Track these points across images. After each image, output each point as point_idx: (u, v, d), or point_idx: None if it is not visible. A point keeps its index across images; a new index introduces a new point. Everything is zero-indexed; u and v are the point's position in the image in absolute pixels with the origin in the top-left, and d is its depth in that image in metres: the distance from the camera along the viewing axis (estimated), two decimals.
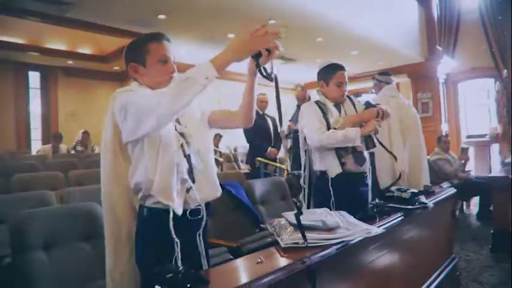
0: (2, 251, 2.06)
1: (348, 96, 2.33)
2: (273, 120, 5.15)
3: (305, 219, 1.47)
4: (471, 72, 9.12)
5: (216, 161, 6.59)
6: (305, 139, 2.29)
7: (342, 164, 2.13)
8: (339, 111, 2.23)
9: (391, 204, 2.01)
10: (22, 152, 7.21)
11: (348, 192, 2.09)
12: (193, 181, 1.35)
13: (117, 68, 8.64)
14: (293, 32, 6.24)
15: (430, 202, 2.19)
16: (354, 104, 2.30)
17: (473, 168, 7.37)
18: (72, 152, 6.97)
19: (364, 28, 6.43)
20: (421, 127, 3.48)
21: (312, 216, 1.51)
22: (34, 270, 1.67)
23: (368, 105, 2.28)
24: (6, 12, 4.55)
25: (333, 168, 2.15)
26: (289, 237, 1.39)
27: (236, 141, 7.20)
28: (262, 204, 3.04)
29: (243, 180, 3.78)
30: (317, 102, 2.27)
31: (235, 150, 8.85)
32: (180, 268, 0.98)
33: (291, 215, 1.56)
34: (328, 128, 2.15)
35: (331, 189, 2.10)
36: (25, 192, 3.29)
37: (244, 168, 6.17)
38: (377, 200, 2.10)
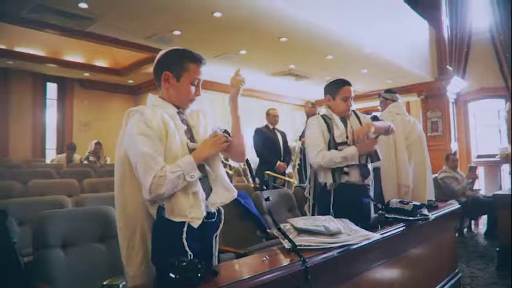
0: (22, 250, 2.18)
1: (354, 111, 2.44)
2: (283, 135, 5.28)
3: (309, 225, 1.57)
4: (481, 92, 9.16)
5: (227, 174, 6.76)
6: None
7: (346, 173, 2.22)
8: (345, 126, 2.33)
9: (393, 215, 2.09)
10: (37, 160, 7.42)
11: (351, 203, 2.17)
12: (211, 189, 1.48)
13: (131, 81, 8.90)
14: (304, 50, 6.40)
15: (433, 215, 2.26)
16: (359, 119, 2.40)
17: (483, 188, 7.36)
18: (85, 162, 7.14)
19: (374, 47, 6.55)
20: (427, 144, 3.56)
21: (316, 222, 1.61)
22: (53, 267, 1.79)
23: (376, 119, 2.39)
24: (29, 25, 4.77)
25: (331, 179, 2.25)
26: (294, 239, 1.49)
27: (247, 155, 7.33)
28: (270, 214, 3.13)
29: (252, 192, 3.89)
30: (323, 116, 2.38)
31: (244, 164, 8.97)
32: (193, 259, 1.08)
33: (298, 221, 1.66)
34: (333, 141, 2.25)
35: (332, 198, 2.19)
36: (42, 196, 3.48)
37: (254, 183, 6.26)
38: (380, 211, 2.19)
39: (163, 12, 4.66)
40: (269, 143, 5.07)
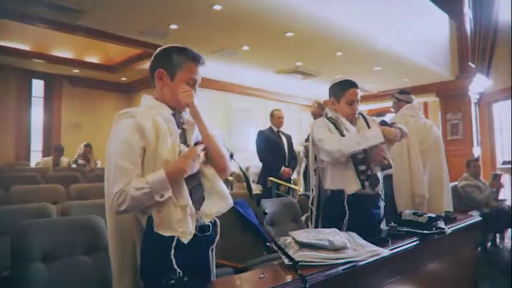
0: (1, 263, 2.19)
1: (361, 114, 2.43)
2: (289, 138, 5.27)
3: (312, 238, 1.57)
4: (508, 91, 9.11)
5: (226, 180, 6.76)
6: (315, 157, 2.39)
7: (362, 182, 2.21)
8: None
9: (405, 228, 2.08)
10: (20, 163, 7.46)
11: (360, 214, 2.16)
12: (204, 198, 1.47)
13: (124, 78, 8.95)
14: (312, 46, 6.40)
15: (449, 228, 2.25)
16: (367, 122, 2.39)
17: (509, 198, 7.29)
18: (73, 165, 7.16)
19: (388, 43, 6.54)
20: (446, 149, 3.55)
21: (319, 235, 1.60)
22: (33, 282, 1.78)
23: (386, 124, 2.38)
24: (13, 17, 4.81)
25: (351, 185, 2.23)
26: (293, 255, 1.49)
27: (248, 160, 7.33)
28: (272, 225, 3.14)
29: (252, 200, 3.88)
30: (328, 118, 2.37)
31: (247, 169, 8.97)
32: (183, 277, 1.09)
33: (299, 234, 1.66)
34: None
35: (346, 207, 2.18)
36: (25, 204, 3.50)
37: (256, 189, 6.26)
38: (392, 224, 2.18)
39: (158, 4, 4.68)
40: (273, 147, 5.07)
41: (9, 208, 2.84)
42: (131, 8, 4.76)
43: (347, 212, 2.17)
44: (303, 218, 2.54)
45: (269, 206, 3.19)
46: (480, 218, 2.95)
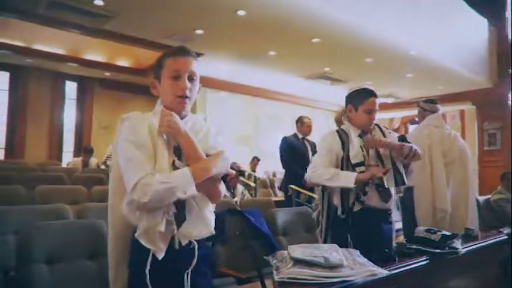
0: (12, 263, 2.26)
1: (378, 125, 2.36)
2: (313, 145, 5.19)
3: (307, 254, 1.52)
4: None
5: (248, 185, 6.75)
6: None
7: (361, 202, 2.15)
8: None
9: (415, 246, 1.99)
10: (52, 163, 7.75)
11: (369, 229, 2.09)
12: (184, 218, 1.38)
13: None
14: (340, 52, 6.32)
15: (465, 248, 2.13)
16: (383, 134, 2.31)
17: None
18: (102, 166, 7.35)
19: (421, 49, 6.37)
20: (483, 160, 3.39)
21: (315, 251, 1.55)
22: (36, 284, 1.83)
23: (403, 139, 2.29)
24: (45, 22, 5.02)
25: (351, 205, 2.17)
26: (287, 270, 1.44)
27: (275, 166, 7.27)
28: (284, 235, 3.08)
29: (272, 208, 3.85)
30: (339, 132, 2.31)
31: (273, 175, 8.93)
32: None
33: (295, 249, 1.61)
34: (347, 161, 2.18)
35: (350, 222, 2.12)
36: (46, 204, 3.62)
37: (281, 195, 6.22)
38: (402, 240, 2.09)
39: (183, 9, 4.76)
40: (297, 154, 5.00)
41: (25, 208, 2.93)
42: (156, 13, 4.86)
43: (353, 227, 2.10)
44: (317, 232, 2.47)
45: (282, 215, 3.14)
46: (506, 237, 2.79)
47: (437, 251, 1.97)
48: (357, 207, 2.17)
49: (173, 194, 1.27)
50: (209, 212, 1.45)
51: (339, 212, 2.23)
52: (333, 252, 1.56)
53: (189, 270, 1.38)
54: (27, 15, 4.91)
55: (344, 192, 2.22)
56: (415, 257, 1.89)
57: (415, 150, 2.20)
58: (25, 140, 8.14)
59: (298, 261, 1.50)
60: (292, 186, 4.88)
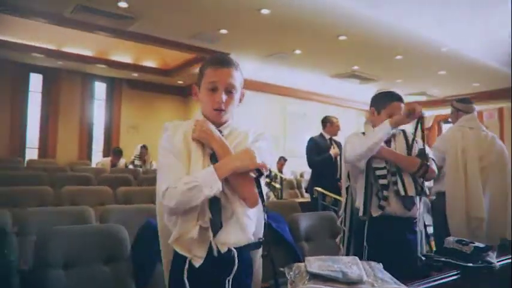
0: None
1: (403, 131, 2.23)
2: (341, 146, 5.06)
3: (325, 268, 1.43)
4: None
5: (272, 187, 6.67)
6: (348, 174, 2.24)
7: (381, 207, 2.04)
8: (389, 146, 2.14)
9: (444, 258, 1.86)
10: (82, 163, 7.93)
11: (391, 238, 1.98)
12: (221, 225, 1.34)
13: (180, 82, 9.22)
14: (368, 49, 6.15)
15: (501, 262, 1.98)
16: (407, 140, 2.18)
17: None
18: (130, 166, 7.47)
19: (454, 45, 6.12)
20: (510, 165, 3.18)
21: (334, 264, 1.46)
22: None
23: (422, 153, 2.11)
24: (72, 25, 5.14)
25: (373, 207, 2.07)
26: (302, 286, 1.36)
27: (303, 166, 7.15)
28: (307, 240, 2.99)
29: (296, 210, 3.75)
30: (363, 134, 2.21)
31: (301, 175, 8.81)
32: None
33: (312, 261, 1.53)
34: (369, 164, 2.08)
35: (366, 230, 2.02)
36: (71, 206, 3.68)
37: (307, 197, 6.12)
38: (431, 252, 1.97)
39: (207, 9, 4.75)
40: (323, 156, 4.88)
41: (47, 210, 2.97)
42: (181, 14, 4.88)
43: (373, 236, 2.01)
44: (337, 239, 2.38)
45: (305, 220, 3.04)
46: None
47: (469, 264, 1.84)
48: (376, 213, 2.07)
49: (200, 192, 1.26)
50: (247, 217, 1.39)
51: (360, 213, 2.13)
52: (352, 266, 1.47)
53: (230, 277, 1.35)
54: (56, 19, 5.02)
55: (367, 190, 2.11)
56: (444, 271, 1.78)
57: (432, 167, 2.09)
58: (57, 140, 8.37)
59: (314, 276, 1.41)
60: (318, 188, 4.77)
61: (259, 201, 1.40)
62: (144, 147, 7.72)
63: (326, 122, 4.99)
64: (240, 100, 1.49)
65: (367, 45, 5.94)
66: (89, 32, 5.36)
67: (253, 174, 1.36)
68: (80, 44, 7.07)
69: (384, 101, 2.18)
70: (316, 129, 5.09)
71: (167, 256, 1.46)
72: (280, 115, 9.54)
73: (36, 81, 8.38)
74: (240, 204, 1.38)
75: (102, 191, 4.29)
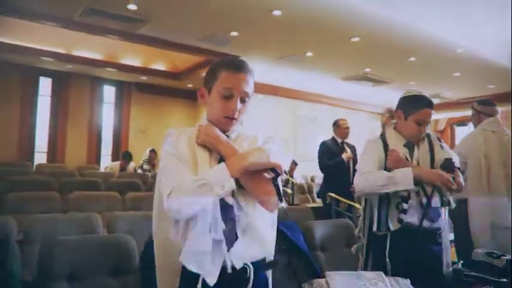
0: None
1: (428, 136, 2.10)
2: (353, 149, 4.94)
3: (347, 285, 1.32)
4: None
5: (284, 192, 6.54)
6: None
7: (400, 220, 1.91)
8: (411, 153, 2.01)
9: (475, 273, 1.73)
10: (91, 167, 7.89)
11: (415, 252, 1.85)
12: (237, 237, 1.23)
13: (190, 85, 9.16)
14: (379, 51, 6.03)
15: None
16: (431, 147, 2.04)
17: None
18: (139, 171, 7.40)
19: (469, 46, 5.98)
20: None
21: (358, 281, 1.35)
22: None
23: (447, 164, 1.97)
24: (82, 28, 5.10)
25: (392, 221, 1.95)
26: None
27: (314, 170, 7.02)
28: (323, 250, 2.86)
29: (309, 217, 3.61)
30: (383, 139, 2.08)
31: (312, 180, 8.68)
32: None
33: (334, 277, 1.42)
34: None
35: (388, 244, 1.90)
36: (79, 212, 3.61)
37: (319, 202, 5.99)
38: (459, 265, 1.84)
39: (217, 11, 4.69)
40: (335, 160, 4.76)
41: (56, 217, 2.88)
42: (189, 16, 4.82)
43: (395, 248, 1.89)
44: (353, 249, 2.26)
45: (320, 228, 2.91)
46: None
47: (503, 280, 1.70)
48: (395, 226, 1.94)
49: (210, 190, 1.14)
50: (267, 227, 1.29)
51: (374, 228, 2.01)
52: (378, 283, 1.35)
53: None
54: (65, 22, 5.00)
55: (382, 203, 1.99)
56: (475, 287, 1.64)
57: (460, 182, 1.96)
58: (66, 144, 8.35)
59: None
60: (331, 194, 4.64)
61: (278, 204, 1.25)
62: (153, 151, 7.66)
63: (334, 125, 4.90)
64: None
65: (380, 47, 5.84)
66: (98, 35, 5.33)
67: (268, 175, 1.21)
68: (89, 47, 7.06)
69: (413, 106, 2.02)
70: (327, 133, 4.98)
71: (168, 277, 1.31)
72: (290, 118, 9.43)
73: (45, 84, 8.37)
74: (257, 209, 1.25)
75: (110, 197, 4.22)
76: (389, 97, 8.82)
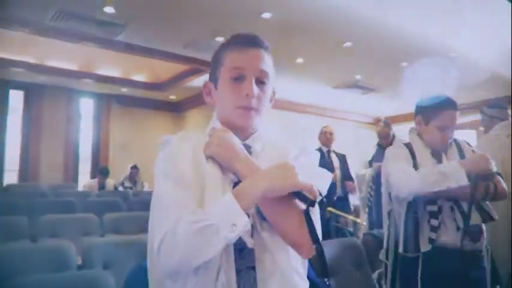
0: None
1: (456, 141, 1.86)
2: (341, 158, 4.70)
3: None
4: None
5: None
6: (390, 196, 1.84)
7: (431, 240, 1.67)
8: (439, 163, 1.75)
9: None
10: (67, 186, 7.46)
11: (453, 277, 1.60)
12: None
13: (173, 97, 8.87)
14: (371, 56, 5.93)
15: None
16: (461, 154, 1.82)
17: None
18: (120, 188, 7.04)
19: (462, 50, 5.92)
20: None
21: None
22: None
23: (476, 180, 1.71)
24: (56, 35, 4.81)
25: (423, 242, 1.70)
26: None
27: None
28: (332, 275, 2.56)
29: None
30: (408, 146, 1.82)
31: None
32: None
33: None
34: None
35: (420, 269, 1.65)
36: (50, 238, 3.25)
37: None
38: None
39: (202, 15, 4.47)
40: None
41: (22, 247, 2.50)
42: (172, 20, 4.62)
43: (430, 273, 1.64)
44: (375, 275, 1.97)
45: (326, 250, 2.61)
46: None
47: None
48: (425, 247, 1.67)
49: (215, 236, 0.79)
50: (297, 275, 0.94)
51: (400, 249, 1.74)
52: None
53: None
54: (35, 27, 4.66)
55: (409, 220, 1.71)
56: None
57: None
58: (39, 162, 7.90)
59: None
60: (330, 209, 4.36)
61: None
62: (134, 167, 7.33)
63: (320, 133, 4.74)
64: (271, 100, 1.05)
65: (371, 52, 5.75)
66: (72, 42, 5.01)
67: (300, 204, 0.87)
68: (64, 56, 6.69)
69: (432, 109, 1.79)
70: (316, 144, 4.75)
71: None
72: (278, 130, 9.18)
73: (16, 98, 7.96)
74: (285, 251, 0.92)
75: (86, 219, 3.85)
76: (378, 106, 8.75)
